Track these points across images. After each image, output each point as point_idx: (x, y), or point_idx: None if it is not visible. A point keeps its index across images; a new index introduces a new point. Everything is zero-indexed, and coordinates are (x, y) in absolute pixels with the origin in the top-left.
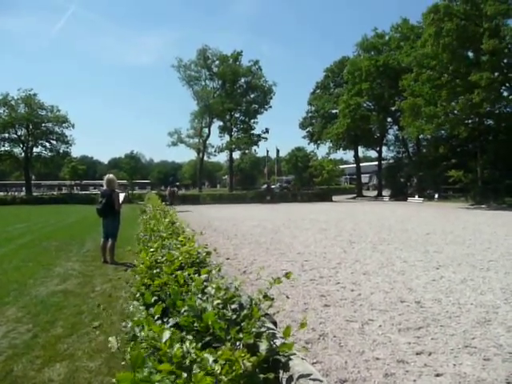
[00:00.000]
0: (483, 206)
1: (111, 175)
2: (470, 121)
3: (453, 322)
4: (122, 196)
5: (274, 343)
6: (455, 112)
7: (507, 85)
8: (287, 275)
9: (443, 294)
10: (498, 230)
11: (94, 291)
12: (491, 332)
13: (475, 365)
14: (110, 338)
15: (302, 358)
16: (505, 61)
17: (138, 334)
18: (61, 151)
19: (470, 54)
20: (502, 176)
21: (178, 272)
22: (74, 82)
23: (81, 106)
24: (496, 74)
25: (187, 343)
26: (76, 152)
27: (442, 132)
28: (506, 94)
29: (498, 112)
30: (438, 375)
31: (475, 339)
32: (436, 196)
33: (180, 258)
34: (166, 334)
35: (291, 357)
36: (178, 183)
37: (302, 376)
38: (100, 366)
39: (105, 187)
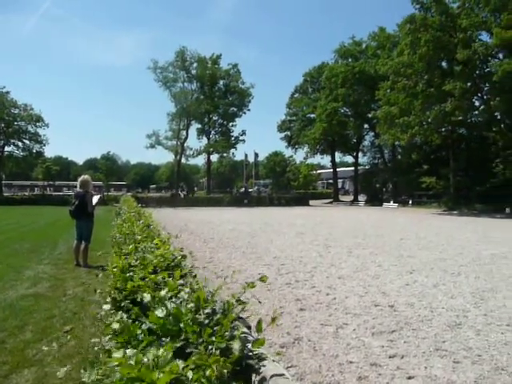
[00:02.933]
0: (455, 212)
1: (86, 176)
2: (443, 129)
3: (425, 326)
4: (96, 198)
5: (247, 346)
6: (429, 121)
7: (479, 95)
8: (262, 279)
9: (416, 298)
10: (469, 236)
11: (66, 295)
12: (461, 335)
13: (446, 367)
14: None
15: (273, 360)
16: (477, 72)
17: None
18: (34, 151)
19: (444, 64)
20: (472, 183)
21: (152, 276)
22: (48, 82)
23: (55, 106)
24: (469, 84)
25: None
26: (50, 152)
27: (417, 139)
28: (477, 103)
29: (469, 121)
30: (409, 378)
31: (446, 342)
32: (410, 202)
33: (154, 262)
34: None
35: (264, 362)
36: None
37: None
38: (70, 372)
39: (79, 188)
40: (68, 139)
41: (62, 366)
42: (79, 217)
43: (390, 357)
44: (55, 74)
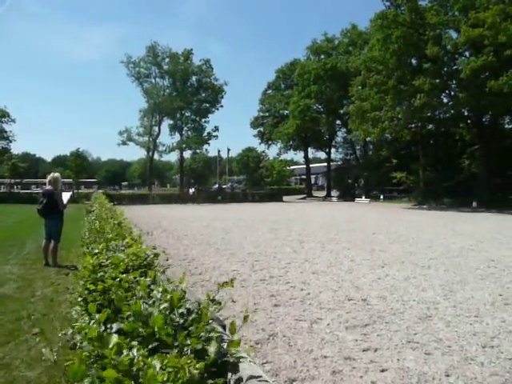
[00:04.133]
0: (424, 206)
1: (56, 174)
2: (413, 125)
3: (397, 319)
4: (67, 196)
5: (223, 346)
6: (399, 116)
7: (447, 92)
8: (231, 282)
9: (388, 292)
10: (438, 230)
11: (35, 296)
12: (432, 327)
13: (417, 359)
14: (43, 350)
15: (250, 361)
16: (445, 69)
17: (79, 342)
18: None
19: (414, 61)
20: (441, 178)
21: (123, 275)
22: (14, 78)
23: (22, 102)
24: (437, 80)
25: (134, 350)
26: (17, 149)
27: (387, 135)
28: (445, 100)
29: (438, 117)
30: (383, 371)
31: (417, 334)
32: (381, 197)
33: (126, 261)
34: (113, 339)
35: (240, 360)
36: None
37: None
38: (40, 375)
39: (47, 186)
40: (36, 136)
41: (31, 369)
42: (48, 215)
43: (363, 350)
44: (21, 70)
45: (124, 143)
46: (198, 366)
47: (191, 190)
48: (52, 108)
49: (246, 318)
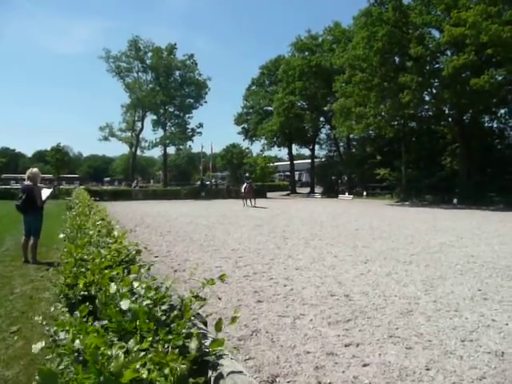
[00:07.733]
0: (407, 202)
1: (35, 169)
2: (396, 122)
3: (379, 314)
4: (47, 192)
5: (204, 343)
6: (383, 114)
7: (429, 90)
8: (221, 277)
9: (370, 287)
10: (420, 226)
11: (13, 293)
12: (413, 322)
13: (399, 353)
14: (33, 345)
15: (232, 358)
16: (427, 67)
17: (60, 338)
18: None
19: (397, 59)
20: (423, 175)
21: (106, 271)
22: None
23: (1, 95)
24: (420, 79)
25: (115, 348)
26: None
27: (371, 132)
28: (427, 98)
29: (420, 115)
30: (364, 365)
31: (399, 329)
32: (364, 193)
33: (108, 257)
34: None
35: (221, 357)
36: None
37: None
38: (18, 375)
39: (26, 182)
40: (15, 130)
41: (9, 368)
42: (27, 211)
43: (345, 345)
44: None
45: (105, 139)
46: (183, 363)
47: (243, 186)
48: (33, 103)
49: (234, 318)
